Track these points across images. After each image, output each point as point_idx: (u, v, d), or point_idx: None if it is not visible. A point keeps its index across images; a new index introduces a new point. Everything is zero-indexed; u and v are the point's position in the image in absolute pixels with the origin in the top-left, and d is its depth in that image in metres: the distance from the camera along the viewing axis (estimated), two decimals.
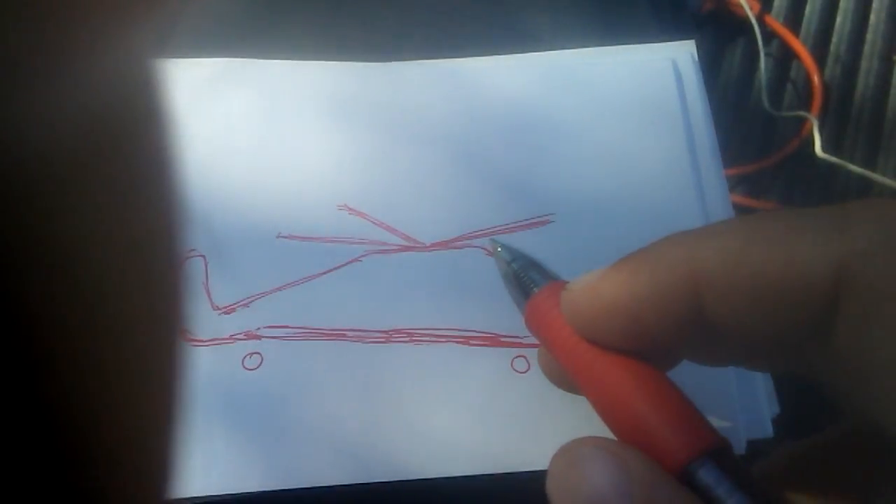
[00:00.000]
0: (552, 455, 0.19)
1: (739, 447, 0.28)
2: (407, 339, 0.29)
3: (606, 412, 0.20)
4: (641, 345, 0.20)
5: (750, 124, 0.91)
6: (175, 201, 0.12)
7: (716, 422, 0.29)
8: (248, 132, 0.33)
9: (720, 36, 0.95)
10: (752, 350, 0.19)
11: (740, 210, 0.33)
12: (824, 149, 0.84)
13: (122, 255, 0.10)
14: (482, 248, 0.31)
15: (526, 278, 0.23)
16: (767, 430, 0.28)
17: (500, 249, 0.24)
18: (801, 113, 0.88)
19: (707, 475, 0.18)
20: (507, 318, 0.29)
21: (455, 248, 0.31)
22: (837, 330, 0.16)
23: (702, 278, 0.18)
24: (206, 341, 0.29)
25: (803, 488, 0.20)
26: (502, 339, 0.29)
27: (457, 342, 0.29)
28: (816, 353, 0.17)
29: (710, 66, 0.93)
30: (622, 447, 0.19)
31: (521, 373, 0.29)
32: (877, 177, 0.85)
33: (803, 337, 0.17)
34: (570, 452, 0.19)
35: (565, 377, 0.22)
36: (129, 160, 0.10)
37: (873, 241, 0.16)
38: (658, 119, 0.33)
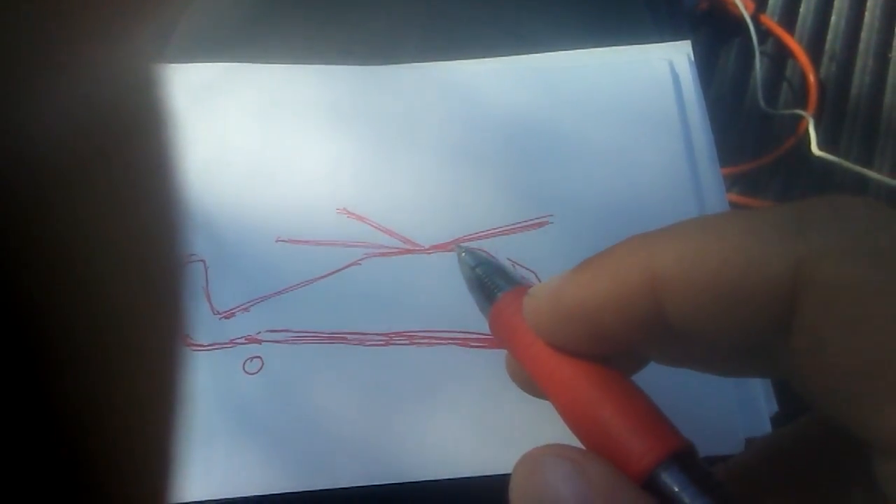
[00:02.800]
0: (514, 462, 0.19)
1: (738, 445, 0.28)
2: (407, 341, 0.29)
3: (570, 418, 0.20)
4: (604, 349, 0.20)
5: (746, 123, 0.91)
6: (175, 202, 0.12)
7: (713, 421, 0.29)
8: (247, 136, 0.33)
9: (715, 35, 0.96)
10: (715, 351, 0.19)
11: (737, 209, 0.33)
12: (820, 146, 0.85)
13: (122, 254, 0.10)
14: (481, 251, 0.31)
15: (490, 283, 0.23)
16: (766, 429, 0.28)
17: (464, 255, 0.25)
18: (797, 111, 0.88)
19: (671, 480, 0.18)
20: None
21: (454, 250, 0.31)
22: (795, 330, 0.16)
23: (660, 281, 0.17)
24: (206, 346, 0.29)
25: (771, 485, 0.20)
26: None
27: (457, 344, 0.29)
28: (778, 354, 0.17)
29: (706, 65, 0.93)
30: (583, 454, 0.18)
31: None
32: (872, 174, 0.85)
33: (764, 337, 0.17)
34: (531, 460, 0.19)
35: (532, 382, 0.22)
36: (129, 161, 0.10)
37: (829, 239, 0.16)
38: (655, 120, 0.33)
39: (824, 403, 0.17)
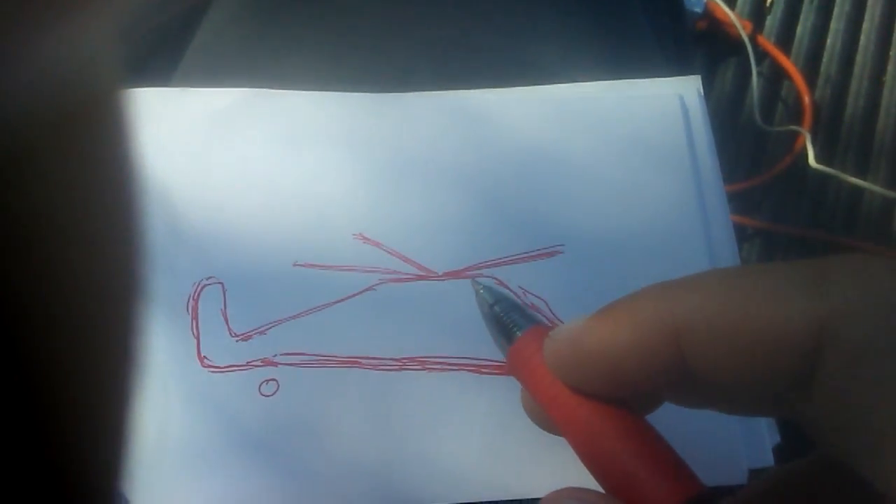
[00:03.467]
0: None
1: (741, 476, 0.29)
2: (420, 367, 0.30)
3: (588, 460, 0.20)
4: (623, 392, 0.20)
5: (742, 140, 0.92)
6: (130, 188, 0.12)
7: (717, 452, 0.29)
8: (264, 161, 0.34)
9: (713, 55, 0.97)
10: (734, 398, 0.20)
11: (735, 230, 0.34)
12: (817, 160, 0.86)
13: (77, 228, 0.11)
14: (493, 279, 0.32)
15: (508, 321, 0.23)
16: (768, 460, 0.29)
17: (482, 291, 0.25)
18: (794, 127, 0.89)
19: None
20: None
21: (467, 277, 0.32)
22: (818, 384, 0.17)
23: (683, 331, 0.18)
24: (223, 368, 0.30)
25: None
26: None
27: (468, 371, 0.30)
28: (797, 402, 0.18)
29: (704, 84, 0.94)
30: (603, 498, 0.19)
31: None
32: (867, 185, 0.87)
33: (784, 388, 0.18)
34: (551, 502, 0.19)
35: (548, 419, 0.22)
36: (79, 148, 0.11)
37: (851, 299, 0.16)
38: (665, 153, 0.34)
39: (842, 452, 0.17)
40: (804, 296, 0.17)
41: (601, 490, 0.20)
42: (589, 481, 0.28)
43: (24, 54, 0.09)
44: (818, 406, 0.17)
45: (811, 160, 0.87)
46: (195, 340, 0.30)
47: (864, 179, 0.88)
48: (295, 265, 0.32)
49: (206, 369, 0.30)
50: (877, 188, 0.87)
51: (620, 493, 0.19)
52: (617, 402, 0.20)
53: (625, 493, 0.19)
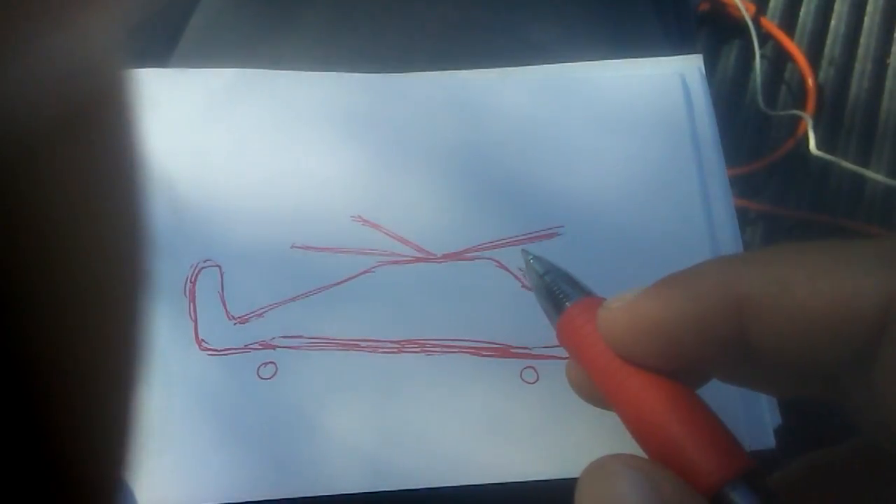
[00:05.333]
0: (581, 468, 0.19)
1: None
2: (419, 349, 0.30)
3: (638, 430, 0.20)
4: (676, 365, 0.20)
5: (745, 123, 0.92)
6: (134, 173, 0.12)
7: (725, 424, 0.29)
8: (262, 142, 0.33)
9: (716, 37, 0.96)
10: (788, 376, 0.20)
11: (737, 213, 0.33)
12: (819, 146, 0.86)
13: (83, 216, 0.11)
14: (492, 260, 0.31)
15: (559, 291, 0.23)
16: (769, 441, 0.29)
17: (531, 261, 0.24)
18: (796, 112, 0.89)
19: (739, 498, 0.18)
20: (518, 329, 0.30)
21: (466, 259, 0.31)
22: (879, 364, 0.17)
23: (745, 304, 0.18)
24: (221, 351, 0.30)
25: (819, 501, 0.20)
26: (512, 351, 0.30)
27: (467, 353, 0.30)
28: (853, 383, 0.17)
29: (706, 66, 0.93)
30: (654, 466, 0.19)
31: (530, 383, 0.29)
32: (869, 173, 0.86)
33: (843, 367, 0.17)
34: (601, 468, 0.19)
35: (594, 391, 0.22)
36: (87, 141, 0.10)
37: None
38: (666, 133, 0.34)
39: (889, 440, 0.17)
40: (873, 272, 0.17)
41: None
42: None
43: (32, 48, 0.08)
44: (874, 389, 0.17)
45: (812, 147, 0.86)
46: (193, 323, 0.30)
47: (866, 166, 0.88)
48: (293, 247, 0.31)
49: (204, 352, 0.30)
50: (879, 176, 0.86)
51: (669, 464, 0.19)
52: (668, 375, 0.20)
53: (674, 464, 0.19)
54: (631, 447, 0.26)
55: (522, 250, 0.25)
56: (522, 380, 0.29)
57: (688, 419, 0.19)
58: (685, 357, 0.19)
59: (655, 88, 0.34)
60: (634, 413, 0.20)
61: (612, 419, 0.28)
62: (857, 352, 0.17)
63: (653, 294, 0.20)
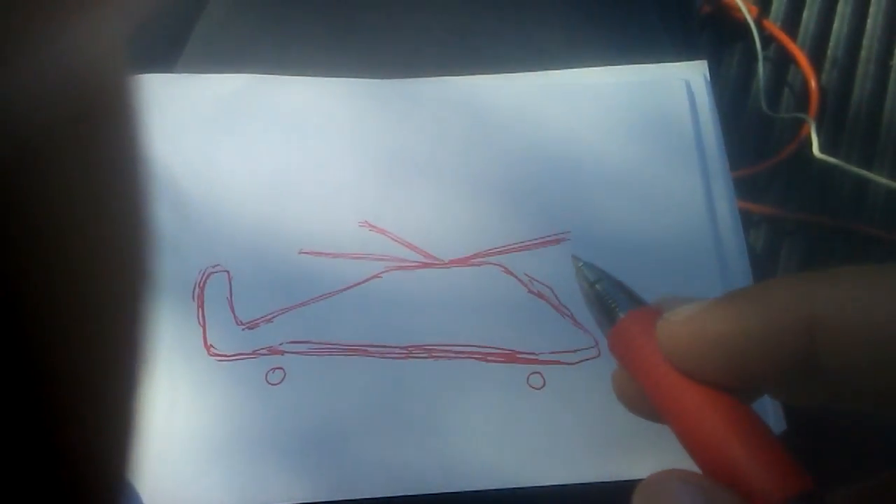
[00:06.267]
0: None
1: None
2: (426, 355, 0.30)
3: (694, 446, 0.20)
4: (737, 382, 0.19)
5: (748, 126, 0.92)
6: (140, 178, 0.12)
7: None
8: (270, 148, 0.34)
9: (718, 39, 0.96)
10: (851, 397, 0.19)
11: (741, 216, 0.33)
12: (821, 150, 0.86)
13: (89, 220, 0.11)
14: (499, 266, 0.31)
15: (611, 301, 0.23)
16: None
17: (582, 267, 0.24)
18: (799, 114, 0.89)
19: None
20: (524, 334, 0.30)
21: (473, 265, 0.32)
22: None
23: (818, 323, 0.17)
24: (229, 356, 0.30)
25: None
26: (519, 356, 0.30)
27: (474, 358, 0.30)
28: None
29: (709, 69, 0.93)
30: (711, 484, 0.18)
31: (537, 389, 0.29)
32: (873, 176, 0.86)
33: None
34: (657, 485, 0.19)
35: (643, 404, 0.22)
36: (89, 142, 0.11)
37: None
38: (671, 139, 0.34)
39: None
40: None
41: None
42: (597, 474, 0.28)
43: (37, 51, 0.09)
44: None
45: (815, 150, 0.86)
46: (201, 329, 0.30)
47: (869, 168, 0.88)
48: (301, 253, 0.32)
49: (213, 358, 0.30)
50: (882, 179, 0.86)
51: (726, 482, 0.19)
52: (725, 391, 0.20)
53: (731, 482, 0.18)
54: (643, 454, 0.27)
55: (573, 257, 0.25)
56: (529, 385, 0.30)
57: (747, 437, 0.19)
58: (748, 374, 0.19)
59: (660, 94, 0.35)
60: (691, 428, 0.20)
61: (619, 426, 0.28)
62: None
63: (719, 308, 0.19)
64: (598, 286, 0.23)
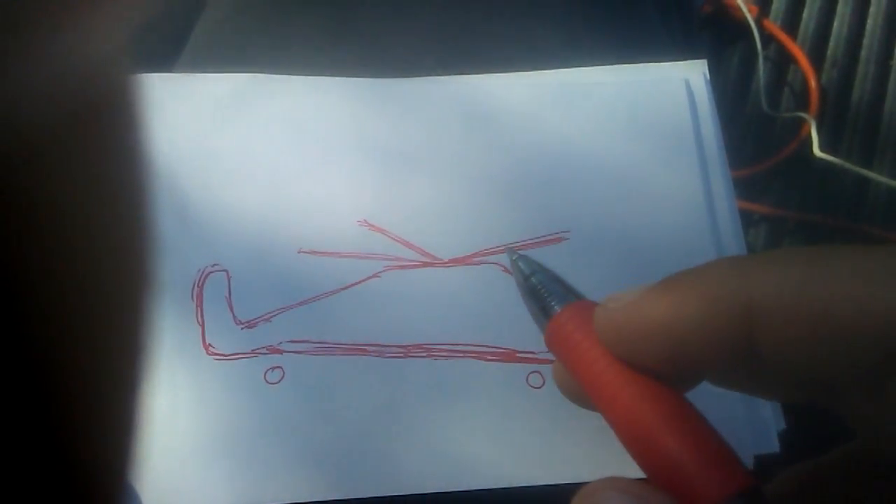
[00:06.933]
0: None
1: (747, 462, 0.28)
2: (425, 354, 0.30)
3: (631, 442, 0.19)
4: (675, 368, 0.19)
5: (748, 125, 0.92)
6: (141, 177, 0.12)
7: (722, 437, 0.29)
8: (269, 147, 0.34)
9: (719, 39, 0.96)
10: (789, 382, 0.19)
11: (741, 215, 0.33)
12: (822, 148, 0.86)
13: (90, 219, 0.11)
14: (498, 265, 0.31)
15: (546, 293, 0.22)
16: (774, 446, 0.29)
17: (517, 260, 0.24)
18: (799, 114, 0.89)
19: None
20: (523, 333, 0.30)
21: (472, 264, 0.32)
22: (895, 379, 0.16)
23: (757, 307, 0.17)
24: (228, 355, 0.30)
25: None
26: (518, 355, 0.30)
27: (473, 357, 0.30)
28: (863, 397, 0.17)
29: (709, 69, 0.93)
30: (646, 489, 0.18)
31: (537, 388, 0.29)
32: (873, 175, 0.86)
33: (855, 379, 0.17)
34: (591, 496, 0.18)
35: (583, 394, 0.21)
36: (92, 142, 0.11)
37: None
38: (671, 138, 0.34)
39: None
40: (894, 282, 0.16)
41: (639, 474, 0.19)
42: (597, 473, 0.28)
43: (38, 50, 0.09)
44: (889, 399, 0.16)
45: (816, 149, 0.86)
46: (200, 328, 0.30)
47: (869, 168, 0.88)
48: (300, 252, 0.32)
49: (211, 357, 0.30)
50: (882, 178, 0.86)
51: (664, 480, 0.18)
52: (661, 380, 0.19)
53: (669, 481, 0.18)
54: None
55: (508, 249, 0.25)
56: (529, 384, 0.30)
57: (685, 434, 0.18)
58: (686, 360, 0.19)
59: (660, 94, 0.35)
60: (627, 426, 0.19)
61: None
62: (877, 361, 0.16)
63: (658, 294, 0.19)
64: (533, 279, 0.23)
